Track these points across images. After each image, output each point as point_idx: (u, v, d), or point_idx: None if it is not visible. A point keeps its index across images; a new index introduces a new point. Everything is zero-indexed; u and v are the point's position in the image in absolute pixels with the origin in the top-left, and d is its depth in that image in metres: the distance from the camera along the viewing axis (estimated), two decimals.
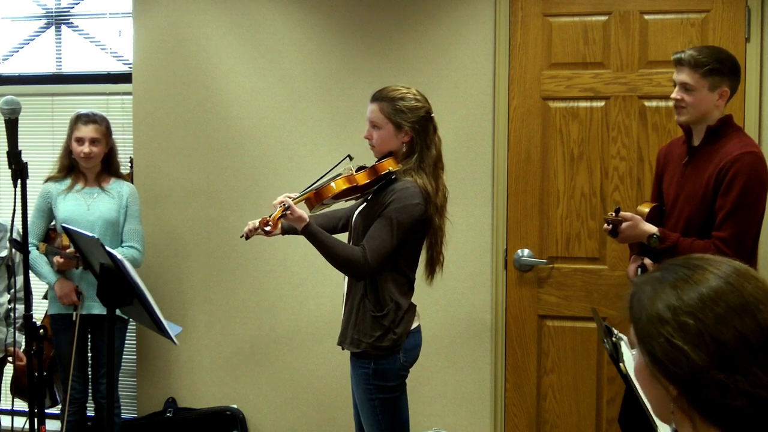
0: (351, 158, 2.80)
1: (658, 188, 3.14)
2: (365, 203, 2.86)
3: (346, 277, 2.86)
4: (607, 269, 3.63)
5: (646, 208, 3.03)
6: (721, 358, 1.13)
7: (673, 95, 2.88)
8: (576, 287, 3.70)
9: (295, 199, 2.67)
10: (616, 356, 2.07)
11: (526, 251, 3.73)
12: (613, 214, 2.90)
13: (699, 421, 1.17)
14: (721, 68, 2.81)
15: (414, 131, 2.77)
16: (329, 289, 3.78)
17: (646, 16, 3.57)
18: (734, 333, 1.14)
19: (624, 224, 2.87)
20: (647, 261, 3.04)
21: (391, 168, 2.74)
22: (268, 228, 2.61)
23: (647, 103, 3.56)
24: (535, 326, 3.75)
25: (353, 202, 2.96)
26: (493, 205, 3.75)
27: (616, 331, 2.14)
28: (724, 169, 2.77)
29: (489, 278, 3.77)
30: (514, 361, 3.78)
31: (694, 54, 2.81)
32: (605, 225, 2.93)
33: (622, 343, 2.10)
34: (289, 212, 2.62)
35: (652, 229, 2.86)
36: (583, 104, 3.65)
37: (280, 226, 2.75)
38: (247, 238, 2.87)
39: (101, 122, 3.71)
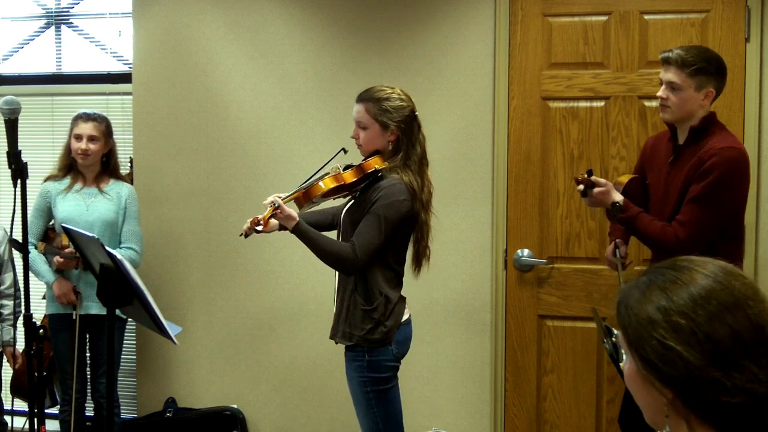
0: (345, 151, 2.89)
1: (640, 174, 3.15)
2: (353, 201, 2.92)
3: (337, 273, 2.93)
4: (607, 269, 3.62)
5: (624, 179, 3.05)
6: (716, 356, 1.13)
7: (659, 93, 2.90)
8: (576, 287, 3.70)
9: (284, 198, 2.74)
10: (616, 356, 2.07)
11: (526, 251, 3.73)
12: (585, 174, 2.90)
13: (695, 423, 1.16)
14: (707, 68, 2.83)
15: (400, 130, 2.83)
16: (329, 289, 3.77)
17: (646, 16, 3.57)
18: (728, 330, 1.13)
19: (596, 189, 2.87)
20: (619, 240, 3.16)
21: (377, 166, 2.81)
22: (259, 227, 2.71)
23: (647, 103, 3.56)
24: (535, 326, 3.75)
25: (342, 200, 3.02)
26: (493, 205, 3.75)
27: (616, 331, 2.15)
28: (702, 161, 2.80)
29: (489, 278, 3.77)
30: (514, 361, 3.78)
31: (681, 53, 2.83)
32: (577, 186, 2.91)
33: None
34: (278, 211, 2.70)
35: (618, 197, 2.89)
36: (583, 104, 3.65)
37: (271, 224, 2.82)
38: (246, 236, 2.91)
39: (101, 121, 3.71)
